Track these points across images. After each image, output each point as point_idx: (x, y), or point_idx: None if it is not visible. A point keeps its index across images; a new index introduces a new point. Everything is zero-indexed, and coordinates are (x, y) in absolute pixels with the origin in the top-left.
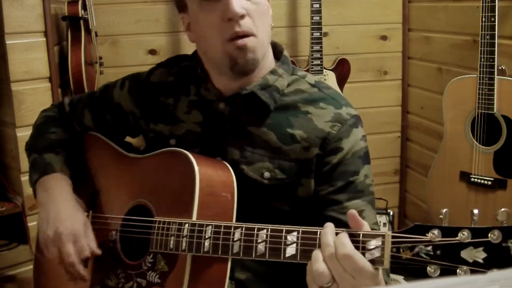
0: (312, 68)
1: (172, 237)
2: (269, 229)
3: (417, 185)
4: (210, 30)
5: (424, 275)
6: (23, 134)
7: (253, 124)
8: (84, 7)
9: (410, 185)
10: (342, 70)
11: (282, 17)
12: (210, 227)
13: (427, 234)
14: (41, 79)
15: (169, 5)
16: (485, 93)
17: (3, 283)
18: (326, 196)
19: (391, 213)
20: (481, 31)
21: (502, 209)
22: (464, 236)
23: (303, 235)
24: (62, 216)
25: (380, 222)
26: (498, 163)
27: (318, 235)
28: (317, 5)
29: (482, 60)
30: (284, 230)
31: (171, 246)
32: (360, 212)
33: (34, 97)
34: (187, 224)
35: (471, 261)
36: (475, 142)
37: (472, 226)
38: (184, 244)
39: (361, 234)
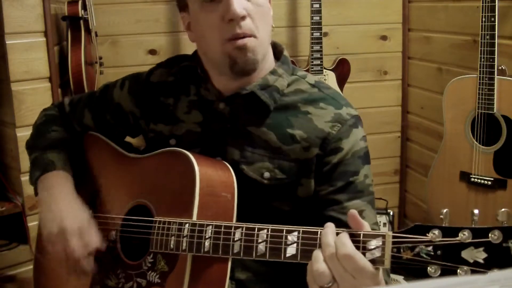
0: (312, 68)
1: (173, 237)
2: (270, 229)
3: (417, 185)
4: (210, 30)
5: (424, 275)
6: (23, 134)
7: (253, 124)
8: (84, 7)
9: (410, 185)
10: (342, 70)
11: (282, 17)
12: (211, 227)
13: (427, 234)
14: (41, 79)
15: (169, 5)
16: (485, 93)
17: (3, 283)
18: (326, 196)
19: (391, 213)
20: (481, 31)
21: (503, 209)
22: (464, 236)
23: (304, 235)
24: (65, 213)
25: (380, 222)
26: (498, 163)
27: (318, 235)
28: (317, 5)
29: (482, 60)
30: (284, 230)
31: (171, 246)
32: (360, 212)
33: (34, 97)
34: (187, 224)
35: (471, 261)
36: (475, 142)
37: (473, 226)
38: (184, 244)
39: (361, 234)
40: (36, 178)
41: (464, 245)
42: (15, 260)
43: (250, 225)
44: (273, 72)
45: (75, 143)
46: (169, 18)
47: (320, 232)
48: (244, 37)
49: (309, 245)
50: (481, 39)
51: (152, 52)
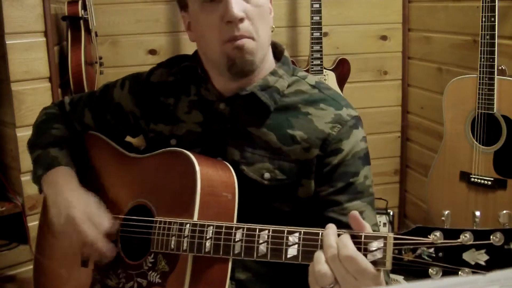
0: (312, 68)
1: (173, 237)
2: (271, 230)
3: (417, 185)
4: (210, 31)
5: (426, 277)
6: (23, 134)
7: (253, 124)
8: (84, 7)
9: (410, 185)
10: (342, 70)
11: (282, 17)
12: (212, 227)
13: (429, 236)
14: (41, 79)
15: (169, 5)
16: (485, 93)
17: (3, 283)
18: (326, 197)
19: (391, 213)
20: (481, 31)
21: (504, 211)
22: (466, 238)
23: (305, 236)
24: (70, 203)
25: (380, 222)
26: (498, 163)
27: (319, 236)
28: (317, 5)
29: (482, 60)
30: (285, 231)
31: (172, 246)
32: (360, 213)
33: (34, 97)
34: (188, 224)
35: (473, 263)
36: (475, 142)
37: (474, 228)
38: (185, 244)
39: (363, 236)
40: (39, 175)
41: (465, 247)
42: (15, 260)
43: (251, 226)
44: (273, 73)
45: (76, 142)
46: (169, 18)
47: (321, 233)
48: (242, 38)
49: (310, 246)
50: (481, 39)
51: (152, 52)
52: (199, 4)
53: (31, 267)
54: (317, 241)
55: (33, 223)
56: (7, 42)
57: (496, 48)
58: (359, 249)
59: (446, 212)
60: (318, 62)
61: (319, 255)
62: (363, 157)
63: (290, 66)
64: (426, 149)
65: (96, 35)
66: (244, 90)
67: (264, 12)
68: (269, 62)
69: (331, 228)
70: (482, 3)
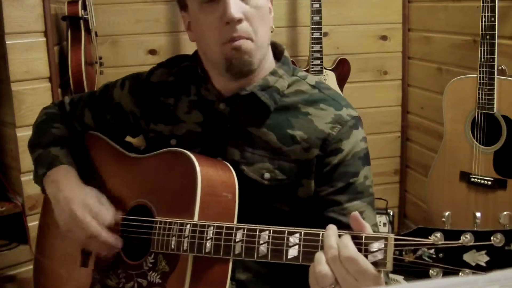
0: (312, 68)
1: (174, 238)
2: (271, 231)
3: (417, 185)
4: (209, 31)
5: (426, 278)
6: (23, 134)
7: (253, 124)
8: (84, 7)
9: (410, 185)
10: (342, 70)
11: (282, 17)
12: (212, 228)
13: (429, 237)
14: (41, 79)
15: (169, 5)
16: (485, 93)
17: (3, 283)
18: (326, 197)
19: (391, 213)
20: (481, 31)
21: (505, 213)
22: (466, 239)
23: (305, 237)
24: (70, 199)
25: (380, 222)
26: (498, 163)
27: (320, 237)
28: (317, 5)
29: (482, 60)
30: (286, 232)
31: (172, 246)
32: (360, 213)
33: (34, 97)
34: (188, 225)
35: (473, 264)
36: (475, 142)
37: (475, 229)
38: (185, 245)
39: (363, 236)
40: (41, 175)
41: (466, 248)
42: (15, 260)
43: (252, 227)
44: (273, 73)
45: (76, 141)
46: (169, 18)
47: (322, 234)
48: (240, 39)
49: (311, 247)
50: (481, 39)
51: (152, 52)
52: (198, 5)
53: (31, 267)
54: (317, 241)
55: (33, 223)
56: (7, 42)
57: (496, 48)
58: (359, 250)
59: (447, 213)
60: (318, 62)
61: (320, 256)
62: (363, 157)
63: (290, 66)
64: (426, 149)
65: (96, 35)
66: (244, 90)
67: (263, 13)
68: (269, 62)
69: (332, 229)
70: (482, 3)
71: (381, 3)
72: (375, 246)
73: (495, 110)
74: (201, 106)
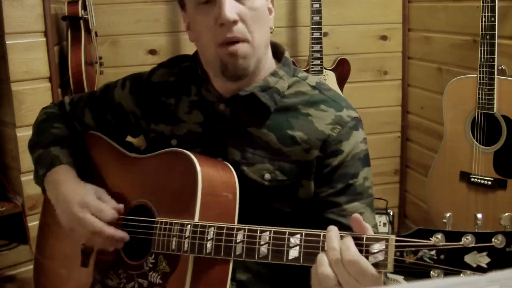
0: (312, 68)
1: (174, 238)
2: (272, 231)
3: (417, 185)
4: (205, 32)
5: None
6: (23, 134)
7: (254, 125)
8: (84, 7)
9: (410, 185)
10: (342, 70)
11: (282, 17)
12: (213, 228)
13: (430, 238)
14: (41, 79)
15: (169, 5)
16: (485, 93)
17: (3, 283)
18: (326, 198)
19: (391, 213)
20: (481, 31)
21: (506, 214)
22: (467, 240)
23: (306, 238)
24: (70, 199)
25: (380, 222)
26: (498, 163)
27: (321, 238)
28: (317, 5)
29: (482, 60)
30: (287, 233)
31: (173, 247)
32: (359, 215)
33: (34, 97)
34: (189, 225)
35: (474, 265)
36: (475, 142)
37: (476, 230)
38: (186, 245)
39: (364, 238)
40: (42, 175)
41: (467, 250)
42: (15, 260)
43: (253, 227)
44: (273, 74)
45: (76, 141)
46: (169, 18)
47: (323, 235)
48: (235, 41)
49: (311, 248)
50: (481, 39)
51: (152, 52)
52: (194, 6)
53: (31, 267)
54: (318, 243)
55: (33, 223)
56: (7, 42)
57: (496, 48)
58: (360, 251)
59: (448, 214)
60: (318, 62)
61: (322, 257)
62: (363, 159)
63: (291, 67)
64: (426, 149)
65: (96, 35)
66: (244, 90)
67: (261, 14)
68: (269, 63)
69: (334, 230)
70: (482, 3)
71: (381, 3)
72: (376, 247)
73: (495, 110)
74: (201, 106)
